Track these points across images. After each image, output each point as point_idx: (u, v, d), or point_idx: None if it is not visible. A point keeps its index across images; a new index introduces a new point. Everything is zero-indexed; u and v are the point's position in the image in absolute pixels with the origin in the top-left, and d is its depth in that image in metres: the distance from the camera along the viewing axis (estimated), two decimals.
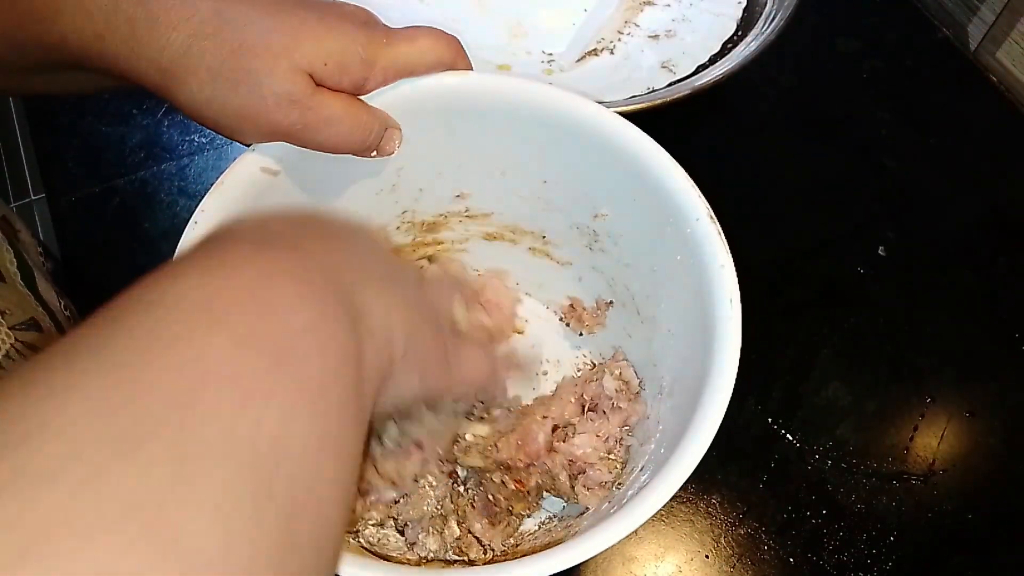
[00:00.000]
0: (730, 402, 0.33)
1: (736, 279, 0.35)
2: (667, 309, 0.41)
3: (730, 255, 0.36)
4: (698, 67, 0.56)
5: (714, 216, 0.36)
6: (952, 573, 0.47)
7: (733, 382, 0.33)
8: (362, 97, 0.36)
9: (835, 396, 0.52)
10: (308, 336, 0.22)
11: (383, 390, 0.27)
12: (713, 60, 0.57)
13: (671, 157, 0.37)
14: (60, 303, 0.47)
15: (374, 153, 0.38)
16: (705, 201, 0.37)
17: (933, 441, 0.51)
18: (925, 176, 0.62)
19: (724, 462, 0.48)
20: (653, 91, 0.54)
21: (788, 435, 0.50)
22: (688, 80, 0.55)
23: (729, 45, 0.58)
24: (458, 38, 0.38)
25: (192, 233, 0.35)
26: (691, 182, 0.37)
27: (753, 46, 0.54)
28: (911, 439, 0.51)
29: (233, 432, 0.19)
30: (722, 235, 0.36)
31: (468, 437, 0.40)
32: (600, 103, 0.51)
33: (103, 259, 0.56)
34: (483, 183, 0.44)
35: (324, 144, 0.35)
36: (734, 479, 0.48)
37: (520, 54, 0.59)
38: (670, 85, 0.55)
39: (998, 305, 0.56)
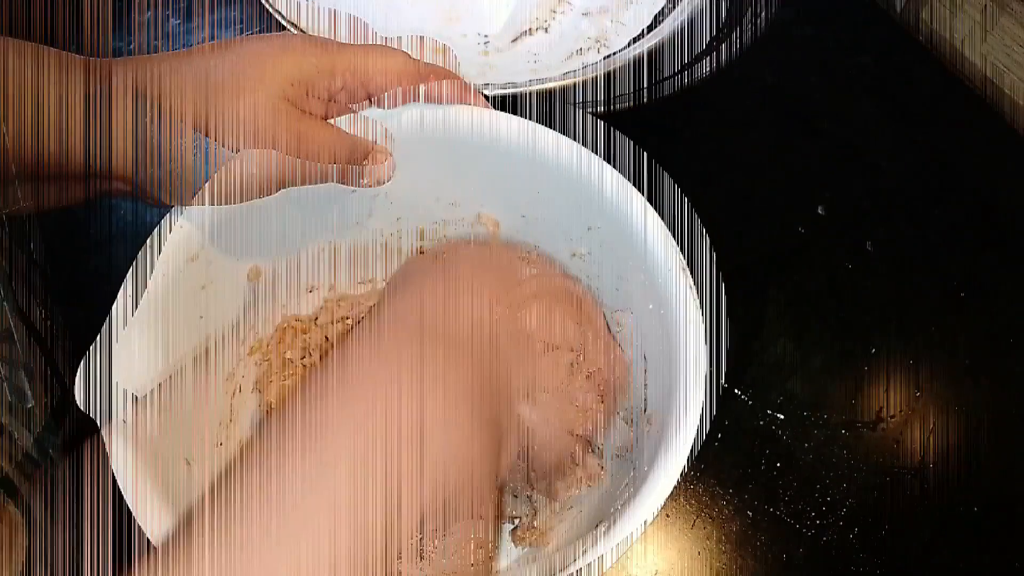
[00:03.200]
0: None
1: (704, 336, 0.35)
2: (642, 346, 0.41)
3: (699, 310, 0.35)
4: (631, 40, 0.57)
5: (687, 268, 0.36)
6: (904, 513, 0.48)
7: (689, 449, 0.33)
8: (341, 123, 0.36)
9: (783, 352, 0.53)
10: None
11: None
12: (645, 32, 0.58)
13: (650, 207, 0.37)
14: (40, 312, 0.46)
15: (365, 181, 0.38)
16: (679, 253, 0.36)
17: (879, 390, 0.52)
18: (859, 136, 0.64)
19: None
20: (588, 66, 0.55)
21: (740, 393, 0.51)
22: (622, 53, 0.55)
23: (660, 17, 0.59)
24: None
25: (145, 257, 0.34)
26: (667, 232, 0.37)
27: (684, 16, 0.55)
28: (858, 389, 0.52)
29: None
30: (693, 288, 0.35)
31: None
32: (537, 80, 0.52)
33: (48, 265, 0.55)
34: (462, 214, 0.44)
35: (315, 176, 0.35)
36: None
37: (456, 38, 0.59)
38: (604, 59, 0.55)
39: (936, 256, 0.58)
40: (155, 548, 0.27)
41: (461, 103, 0.38)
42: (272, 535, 0.26)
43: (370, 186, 0.38)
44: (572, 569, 0.30)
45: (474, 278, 0.37)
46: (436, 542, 0.30)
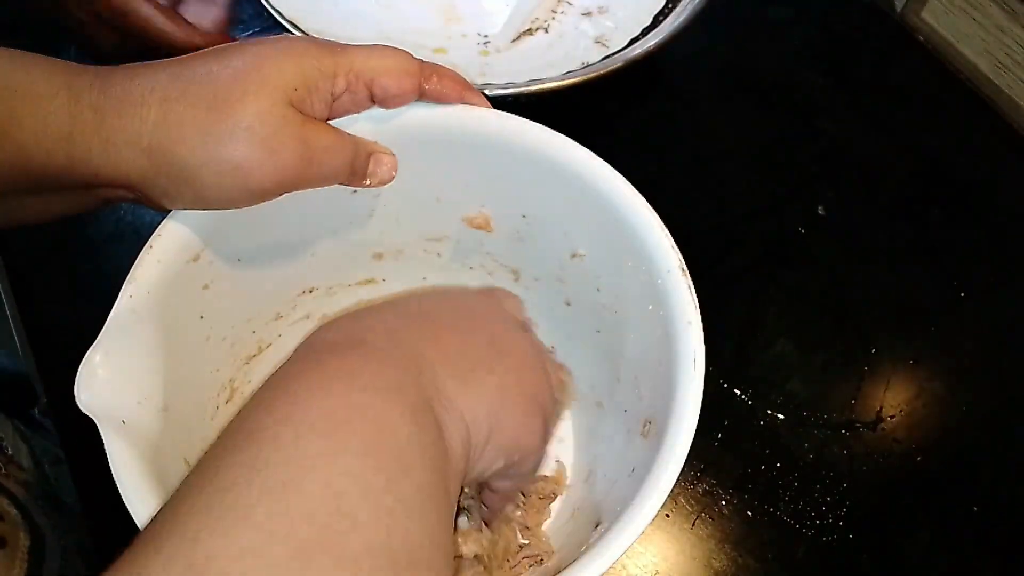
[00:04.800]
0: None
1: (702, 337, 0.34)
2: (631, 358, 0.41)
3: (698, 312, 0.35)
4: (631, 40, 0.57)
5: (686, 269, 0.36)
6: (904, 513, 0.48)
7: (687, 451, 0.32)
8: (342, 124, 0.36)
9: (783, 353, 0.53)
10: (413, 449, 0.28)
11: (469, 468, 0.32)
12: (645, 32, 0.58)
13: (650, 207, 0.37)
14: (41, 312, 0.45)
15: (368, 182, 0.37)
16: (678, 253, 0.36)
17: (879, 390, 0.52)
18: (860, 136, 0.64)
19: None
20: (588, 66, 0.55)
21: (740, 393, 0.51)
22: (622, 53, 0.55)
23: (660, 17, 0.59)
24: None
25: (148, 256, 0.34)
26: (666, 232, 0.36)
27: (683, 16, 0.55)
28: (858, 389, 0.52)
29: (375, 543, 0.24)
30: (692, 289, 0.35)
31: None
32: (536, 80, 0.52)
33: (48, 265, 0.55)
34: (462, 214, 0.44)
35: (322, 178, 0.35)
36: None
37: (455, 37, 0.59)
38: (604, 59, 0.55)
39: (935, 255, 0.58)
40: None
41: (463, 103, 0.38)
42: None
43: (373, 187, 0.38)
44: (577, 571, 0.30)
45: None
46: None
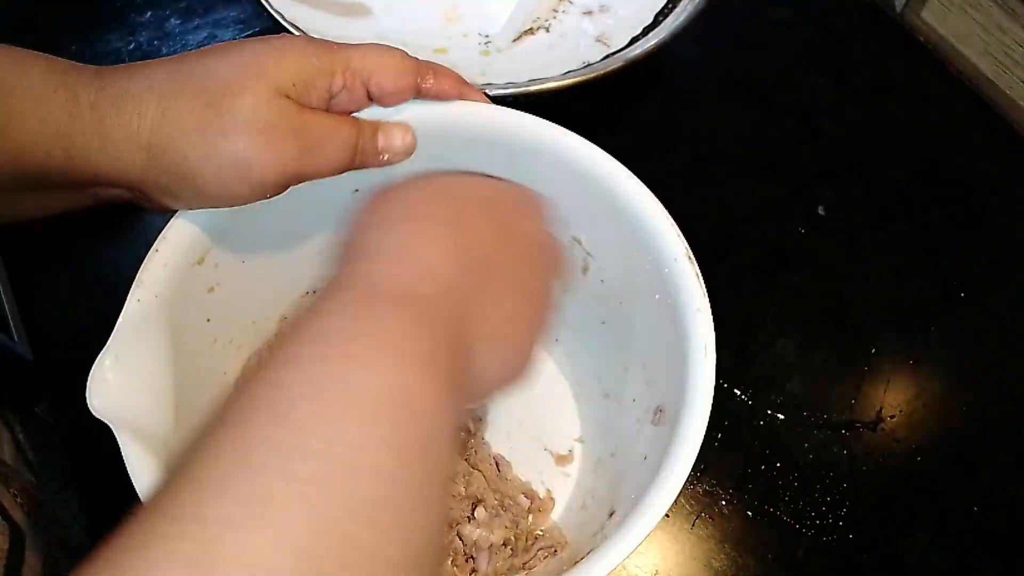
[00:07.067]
0: None
1: (712, 324, 0.35)
2: (639, 347, 0.41)
3: (707, 299, 0.35)
4: (632, 39, 0.57)
5: (692, 257, 0.36)
6: (904, 513, 0.48)
7: (703, 434, 0.33)
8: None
9: (783, 353, 0.53)
10: (440, 436, 0.26)
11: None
12: (646, 32, 0.58)
13: (654, 197, 0.37)
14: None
15: (383, 157, 0.37)
16: (684, 241, 0.36)
17: (879, 390, 0.52)
18: (860, 136, 0.64)
19: None
20: (588, 65, 0.55)
21: (740, 393, 0.51)
22: (622, 52, 0.55)
23: (660, 17, 0.59)
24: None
25: (154, 260, 0.34)
26: (671, 221, 0.37)
27: (683, 16, 0.55)
28: (858, 389, 0.52)
29: (395, 558, 0.23)
30: (699, 277, 0.35)
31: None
32: (537, 80, 0.52)
33: (48, 265, 0.55)
34: None
35: (327, 165, 0.34)
36: None
37: (456, 37, 0.59)
38: (605, 58, 0.55)
39: (935, 255, 0.58)
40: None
41: (460, 99, 0.38)
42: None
43: (393, 163, 0.37)
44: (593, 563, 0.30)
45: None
46: None
